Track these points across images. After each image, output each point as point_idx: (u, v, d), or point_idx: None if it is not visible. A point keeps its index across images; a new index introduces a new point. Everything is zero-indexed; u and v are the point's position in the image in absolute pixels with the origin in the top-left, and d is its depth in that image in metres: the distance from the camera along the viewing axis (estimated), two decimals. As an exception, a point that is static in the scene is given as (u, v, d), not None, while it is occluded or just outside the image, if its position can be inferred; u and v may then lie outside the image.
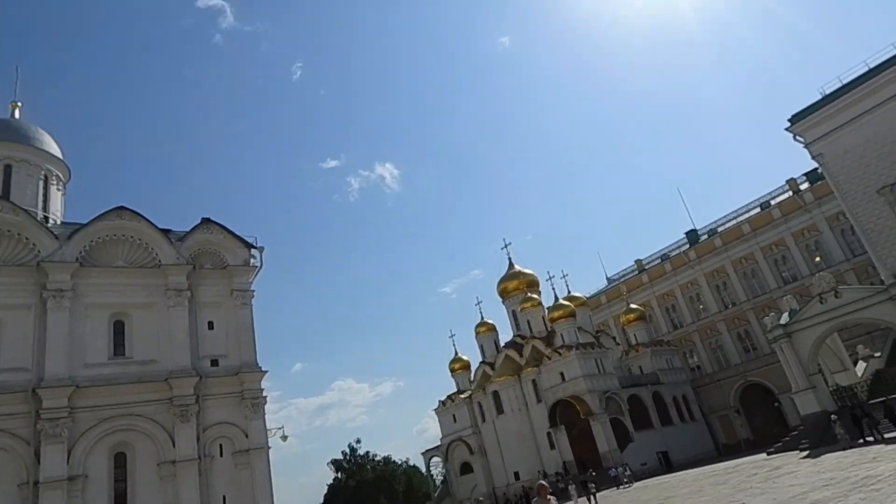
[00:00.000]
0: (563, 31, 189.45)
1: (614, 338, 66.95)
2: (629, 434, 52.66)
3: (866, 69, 39.41)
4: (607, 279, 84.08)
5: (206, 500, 30.70)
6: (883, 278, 37.05)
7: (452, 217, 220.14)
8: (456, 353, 67.23)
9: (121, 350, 32.31)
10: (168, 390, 31.66)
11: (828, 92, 40.83)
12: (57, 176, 38.83)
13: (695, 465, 48.23)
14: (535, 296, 63.32)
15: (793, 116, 42.03)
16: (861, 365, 43.37)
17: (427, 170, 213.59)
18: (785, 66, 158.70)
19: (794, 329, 38.02)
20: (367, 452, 74.19)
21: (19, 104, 40.78)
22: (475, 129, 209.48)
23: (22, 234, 31.57)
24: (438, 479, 71.75)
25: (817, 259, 57.12)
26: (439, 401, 64.48)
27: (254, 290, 36.96)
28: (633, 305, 67.09)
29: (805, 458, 29.11)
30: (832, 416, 31.72)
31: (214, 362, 34.11)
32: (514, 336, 64.06)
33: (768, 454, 35.16)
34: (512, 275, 66.07)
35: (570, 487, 33.18)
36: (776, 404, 55.60)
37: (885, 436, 28.57)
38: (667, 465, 52.12)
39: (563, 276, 66.19)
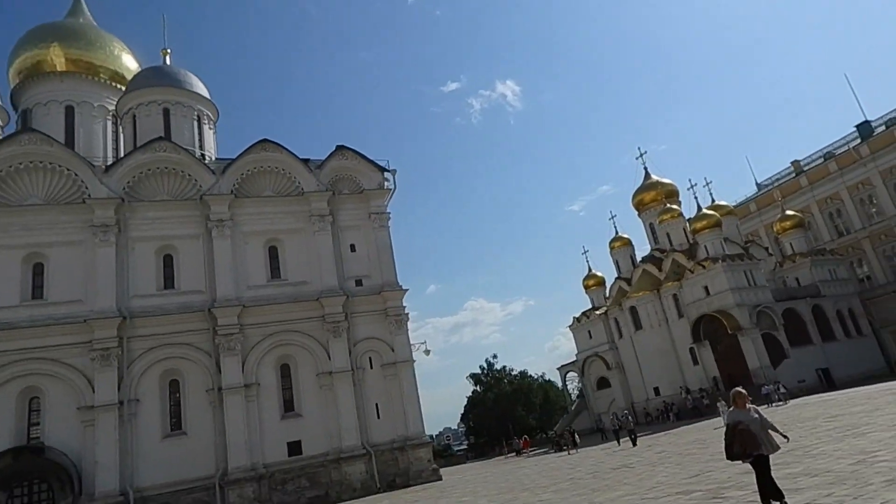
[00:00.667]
0: None
1: (766, 248, 61.55)
2: (784, 350, 49.02)
3: None
4: (757, 185, 76.72)
5: (361, 406, 33.46)
6: None
7: (578, 131, 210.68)
8: (590, 270, 65.82)
9: (276, 273, 35.19)
10: (320, 308, 34.21)
11: None
12: (208, 115, 41.90)
13: (861, 384, 44.05)
14: (674, 206, 59.30)
15: None
16: None
17: (549, 84, 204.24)
18: None
19: None
20: (504, 367, 76.62)
21: (169, 50, 44.06)
22: (600, 33, 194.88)
23: (185, 171, 34.73)
24: (574, 393, 72.69)
25: None
26: (574, 317, 64.12)
27: (390, 213, 38.16)
28: (788, 212, 60.79)
29: None
30: None
31: (359, 282, 36.15)
32: (651, 250, 61.02)
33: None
34: (649, 185, 62.15)
35: (718, 404, 31.69)
36: (968, 316, 48.70)
37: None
38: (828, 382, 48.19)
39: (707, 184, 61.04)
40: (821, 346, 50.75)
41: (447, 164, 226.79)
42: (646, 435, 36.39)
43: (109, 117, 45.22)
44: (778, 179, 72.90)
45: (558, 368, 67.94)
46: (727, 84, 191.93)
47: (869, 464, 11.79)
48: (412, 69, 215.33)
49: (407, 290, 36.39)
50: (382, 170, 38.55)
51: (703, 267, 51.60)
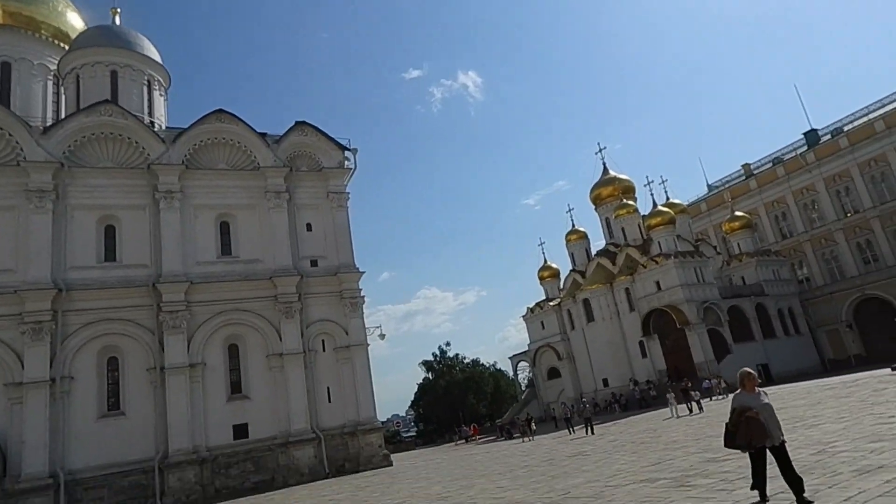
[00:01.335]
0: None
1: (715, 247, 63.35)
2: (728, 346, 50.65)
3: None
4: (708, 186, 78.92)
5: (312, 389, 32.53)
6: None
7: (536, 126, 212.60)
8: (545, 261, 66.32)
9: (227, 249, 33.75)
10: (273, 288, 33.00)
11: None
12: (159, 81, 39.66)
13: (797, 380, 45.97)
14: (630, 202, 60.22)
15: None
16: None
17: (511, 77, 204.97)
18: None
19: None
20: (457, 355, 76.65)
21: (118, 10, 41.38)
22: (562, 31, 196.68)
23: (132, 138, 32.76)
24: (524, 383, 73.34)
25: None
26: (528, 308, 64.52)
27: (349, 193, 37.13)
28: (738, 213, 62.72)
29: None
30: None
31: (314, 263, 35.06)
32: (606, 244, 61.95)
33: (894, 369, 32.43)
34: (606, 180, 62.90)
35: (668, 395, 32.29)
36: (896, 319, 51.43)
37: None
38: (767, 378, 50.08)
39: (662, 182, 62.43)
40: (762, 342, 52.67)
41: (405, 152, 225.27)
42: (595, 424, 36.78)
43: (51, 77, 42.25)
44: (728, 181, 75.14)
45: (510, 358, 68.42)
46: (682, 88, 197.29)
47: (830, 454, 11.89)
48: (373, 54, 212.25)
49: (364, 272, 35.57)
50: (343, 148, 37.45)
51: (656, 262, 52.65)
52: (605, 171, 63.99)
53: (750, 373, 8.30)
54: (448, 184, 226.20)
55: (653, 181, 61.37)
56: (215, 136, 34.58)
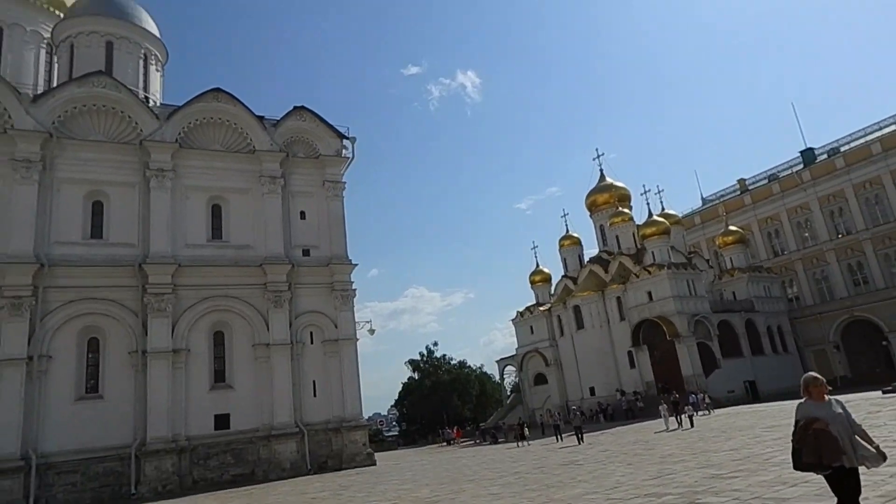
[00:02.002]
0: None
1: (707, 260, 63.23)
2: (716, 360, 50.46)
3: None
4: (702, 199, 78.97)
5: (298, 383, 31.71)
6: None
7: (532, 131, 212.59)
8: (537, 265, 65.76)
9: (218, 233, 32.86)
10: (262, 276, 32.16)
11: None
12: (156, 56, 38.60)
13: (783, 398, 45.82)
14: (626, 210, 59.90)
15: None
16: None
17: (510, 79, 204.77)
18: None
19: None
20: (444, 355, 75.77)
21: (117, -20, 40.11)
22: (564, 35, 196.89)
23: (125, 112, 31.76)
24: (509, 387, 72.80)
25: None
26: (517, 311, 63.93)
27: (345, 182, 36.33)
28: (732, 227, 62.62)
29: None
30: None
31: (306, 252, 34.25)
32: (600, 251, 61.58)
33: (885, 392, 32.29)
34: (603, 187, 62.52)
35: (660, 407, 31.82)
36: (884, 343, 51.54)
37: None
38: (753, 394, 49.98)
39: (658, 192, 62.06)
40: (750, 358, 52.53)
41: (400, 149, 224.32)
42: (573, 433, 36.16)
43: (44, 45, 41.00)
44: (723, 195, 75.16)
45: (497, 361, 67.76)
46: (680, 101, 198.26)
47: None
48: (373, 46, 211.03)
49: (356, 265, 34.82)
50: (341, 136, 36.66)
51: (649, 272, 52.32)
52: (602, 177, 63.65)
53: (816, 378, 6.82)
54: (441, 184, 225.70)
55: (649, 190, 61.15)
56: (211, 115, 33.65)
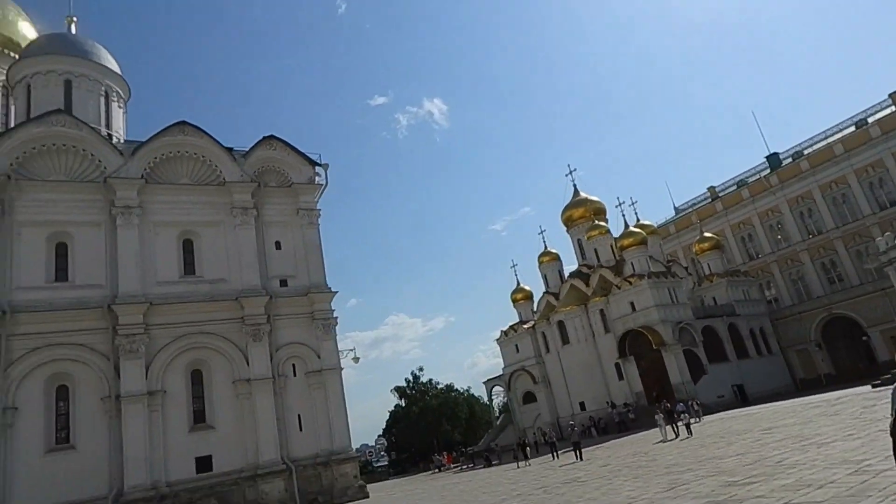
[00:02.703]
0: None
1: (685, 268, 63.56)
2: (703, 366, 50.29)
3: None
4: (675, 209, 79.84)
5: (282, 417, 30.44)
6: None
7: (501, 153, 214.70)
8: (518, 284, 65.34)
9: (190, 269, 31.72)
10: (239, 309, 31.05)
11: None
12: (117, 92, 37.58)
13: (772, 400, 45.79)
14: (602, 223, 60.08)
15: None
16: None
17: (477, 104, 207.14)
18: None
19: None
20: (430, 380, 74.34)
21: (75, 18, 39.39)
22: (526, 59, 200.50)
23: (87, 150, 30.69)
24: (498, 408, 71.62)
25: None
26: (501, 331, 63.24)
27: (320, 210, 35.57)
28: (707, 234, 63.23)
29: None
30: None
31: (283, 282, 33.25)
32: (579, 266, 61.49)
33: (874, 386, 32.29)
34: (578, 202, 62.75)
35: (656, 417, 31.24)
36: (864, 338, 52.02)
37: None
38: (742, 398, 49.84)
39: (633, 204, 62.42)
40: (736, 362, 52.52)
41: (371, 178, 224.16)
42: (570, 450, 35.34)
43: (-1, 88, 39.71)
44: (694, 204, 76.11)
45: (484, 382, 66.70)
46: (643, 116, 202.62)
47: (872, 473, 10.87)
48: (339, 80, 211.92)
49: (336, 292, 33.88)
50: (314, 163, 36.01)
51: (630, 283, 52.29)
52: (576, 192, 63.92)
53: None
54: (415, 210, 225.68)
55: (623, 202, 61.59)
56: (178, 149, 32.72)
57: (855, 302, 53.29)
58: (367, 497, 30.74)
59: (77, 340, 27.52)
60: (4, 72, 38.43)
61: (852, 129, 60.22)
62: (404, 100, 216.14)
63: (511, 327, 62.61)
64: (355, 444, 34.23)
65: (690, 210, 74.24)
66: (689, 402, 40.94)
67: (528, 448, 35.57)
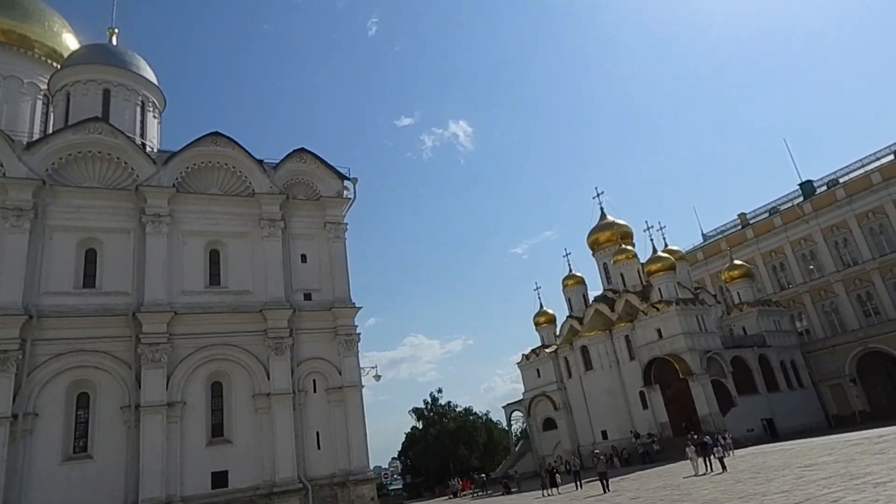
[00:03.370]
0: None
1: (714, 296, 62.06)
2: (731, 398, 48.60)
3: None
4: (703, 235, 78.44)
5: (301, 434, 29.92)
6: None
7: (525, 176, 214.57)
8: (541, 307, 64.37)
9: (216, 279, 31.63)
10: (262, 322, 30.79)
11: None
12: (153, 103, 38.16)
13: (803, 436, 43.96)
14: (629, 247, 59.08)
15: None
16: None
17: (502, 126, 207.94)
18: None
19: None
20: (449, 402, 73.19)
21: (116, 30, 40.28)
22: (553, 79, 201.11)
23: (121, 158, 31.00)
24: (515, 434, 70.18)
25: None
26: (523, 354, 62.13)
27: (347, 224, 35.35)
28: (737, 261, 61.75)
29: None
30: None
31: (307, 296, 32.98)
32: (604, 290, 60.40)
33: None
34: (604, 225, 61.89)
35: (687, 449, 29.99)
36: (902, 375, 50.02)
37: None
38: (772, 433, 47.97)
39: (661, 229, 61.34)
40: (766, 395, 50.72)
41: (395, 199, 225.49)
42: (594, 480, 34.11)
43: (41, 97, 40.70)
44: (723, 231, 74.70)
45: (504, 407, 65.40)
46: (671, 140, 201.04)
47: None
48: (366, 100, 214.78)
49: (360, 307, 33.46)
50: (343, 177, 35.92)
51: (657, 309, 51.04)
52: (603, 215, 63.08)
53: None
54: (437, 231, 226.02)
55: (651, 227, 60.58)
56: (209, 159, 32.91)
57: (892, 336, 51.36)
58: (385, 520, 29.90)
59: (100, 347, 27.45)
60: (46, 81, 39.33)
61: (890, 157, 58.70)
62: (430, 121, 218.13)
63: (533, 351, 61.50)
64: (370, 467, 33.61)
65: (720, 237, 72.80)
66: (717, 436, 39.42)
67: (557, 475, 34.15)
